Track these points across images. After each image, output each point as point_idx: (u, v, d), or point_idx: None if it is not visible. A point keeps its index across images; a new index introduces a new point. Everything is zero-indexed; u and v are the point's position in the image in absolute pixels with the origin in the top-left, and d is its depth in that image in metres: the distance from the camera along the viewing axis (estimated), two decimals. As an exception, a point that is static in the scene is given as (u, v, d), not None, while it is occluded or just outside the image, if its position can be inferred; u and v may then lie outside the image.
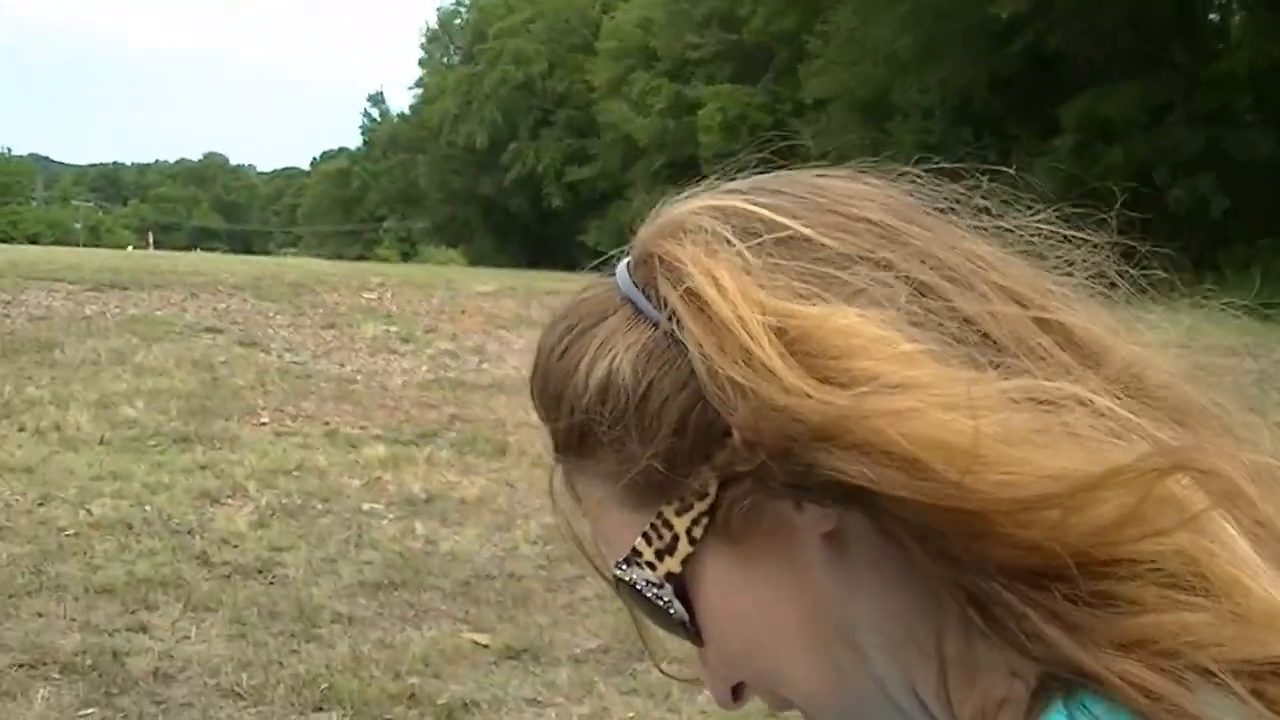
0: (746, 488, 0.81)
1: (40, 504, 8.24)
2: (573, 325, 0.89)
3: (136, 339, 13.66)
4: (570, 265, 44.75)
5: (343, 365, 13.78)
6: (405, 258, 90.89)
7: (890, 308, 0.79)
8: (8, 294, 15.51)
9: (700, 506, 0.83)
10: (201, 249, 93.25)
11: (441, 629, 6.52)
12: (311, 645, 6.20)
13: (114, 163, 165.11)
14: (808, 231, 0.84)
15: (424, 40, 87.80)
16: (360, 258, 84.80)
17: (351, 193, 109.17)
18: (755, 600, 0.86)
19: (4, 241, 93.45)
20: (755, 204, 0.87)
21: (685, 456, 0.82)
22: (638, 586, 0.88)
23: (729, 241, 0.83)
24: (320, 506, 8.63)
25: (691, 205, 0.89)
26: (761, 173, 0.95)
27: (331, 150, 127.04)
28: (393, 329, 15.69)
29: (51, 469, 9.01)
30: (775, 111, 49.89)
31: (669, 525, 0.85)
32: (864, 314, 0.78)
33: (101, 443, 9.82)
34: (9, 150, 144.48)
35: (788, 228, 0.84)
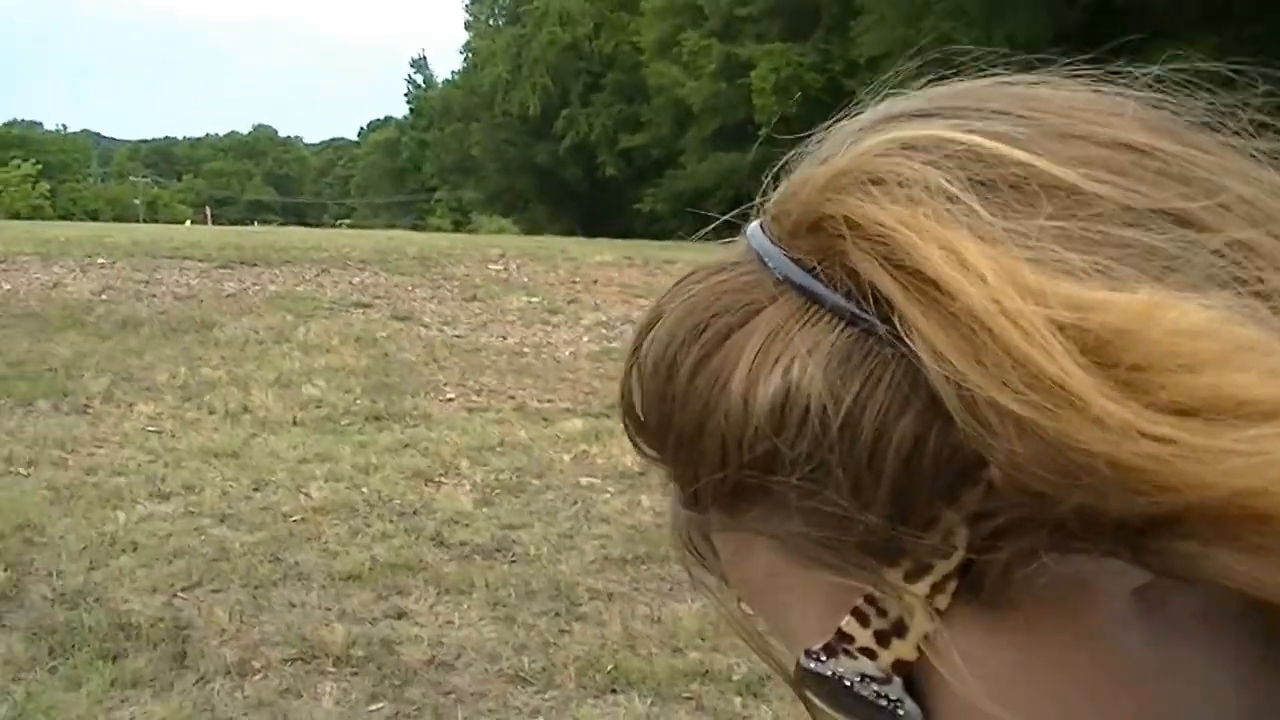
0: (1014, 537, 0.54)
1: (256, 489, 8.03)
2: (701, 325, 0.60)
3: (291, 316, 13.46)
4: (628, 233, 44.83)
5: (504, 338, 13.51)
6: (457, 227, 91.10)
7: (1222, 288, 0.52)
8: (143, 273, 15.35)
9: (944, 568, 0.56)
10: (259, 222, 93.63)
11: (705, 600, 6.23)
12: (579, 624, 5.97)
13: (165, 137, 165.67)
14: (1060, 172, 0.56)
15: (467, 1, 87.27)
16: (413, 228, 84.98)
17: (401, 163, 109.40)
18: (1033, 689, 0.57)
19: (65, 218, 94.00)
20: (971, 132, 0.58)
21: (916, 501, 0.55)
22: (846, 682, 0.60)
23: (951, 195, 0.55)
24: (537, 483, 8.40)
25: (870, 142, 0.59)
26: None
27: (378, 120, 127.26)
28: (534, 300, 15.43)
29: (255, 453, 8.80)
30: (826, 70, 49.54)
31: (895, 595, 0.57)
32: (1206, 303, 0.50)
33: (295, 424, 9.59)
34: (63, 127, 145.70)
35: (1031, 167, 0.56)
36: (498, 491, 8.14)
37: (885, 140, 0.59)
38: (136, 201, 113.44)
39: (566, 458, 9.01)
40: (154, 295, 14.25)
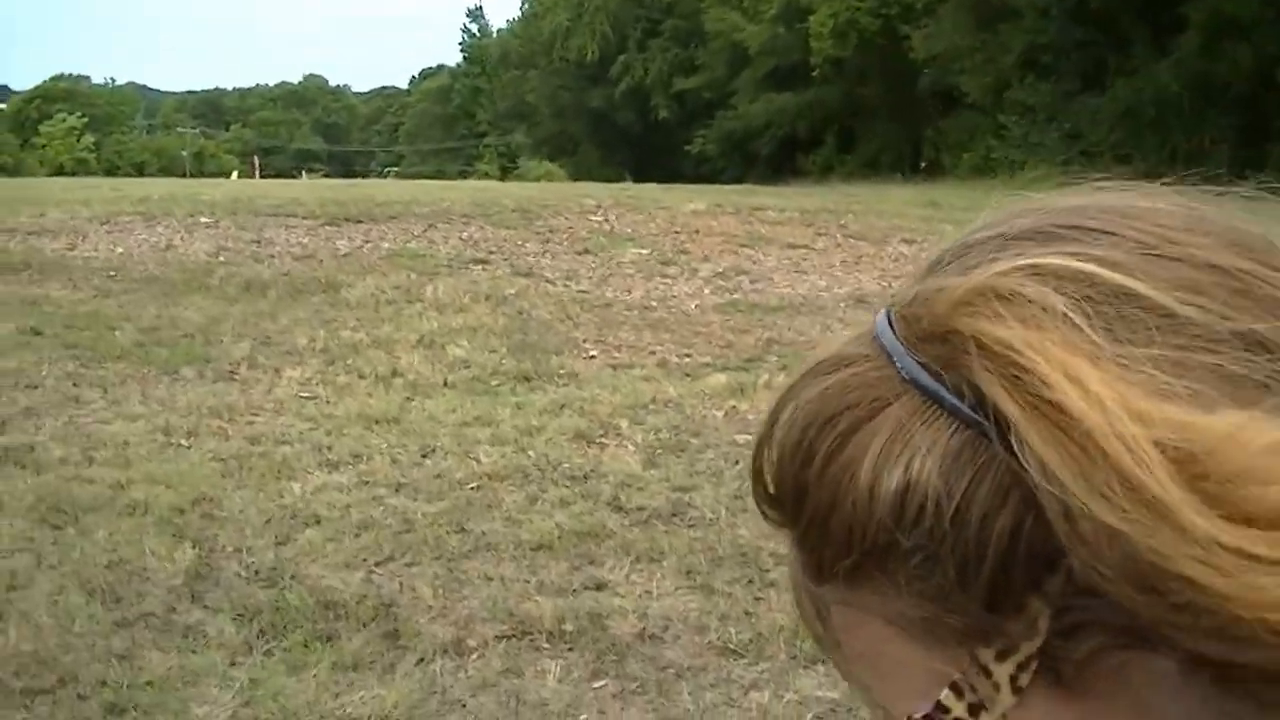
0: (1089, 628, 0.62)
1: (424, 456, 7.94)
2: (833, 417, 0.66)
3: (414, 274, 13.34)
4: (676, 174, 44.88)
5: (629, 292, 13.38)
6: (504, 172, 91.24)
7: None
8: (251, 232, 15.27)
9: (1027, 649, 0.64)
10: (306, 172, 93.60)
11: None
12: (772, 591, 5.86)
13: (215, 88, 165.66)
14: (1159, 297, 0.62)
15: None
16: (462, 174, 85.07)
17: (452, 110, 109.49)
18: None
19: (110, 171, 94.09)
20: (1086, 260, 0.64)
21: (1009, 588, 0.62)
22: None
23: (1071, 319, 0.61)
24: (696, 441, 8.29)
25: (1001, 266, 0.65)
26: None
27: (431, 68, 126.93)
28: (644, 252, 15.29)
29: (414, 417, 8.72)
30: (882, 15, 49.46)
31: (986, 673, 0.65)
32: None
33: (446, 386, 9.50)
34: (111, 80, 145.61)
35: (1134, 293, 0.62)
36: (660, 452, 8.04)
37: (1013, 265, 0.64)
38: (184, 152, 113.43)
39: (719, 414, 8.90)
40: (272, 256, 14.16)
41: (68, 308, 11.73)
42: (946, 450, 0.63)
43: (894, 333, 0.67)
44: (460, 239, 15.44)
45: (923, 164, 47.55)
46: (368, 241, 15.05)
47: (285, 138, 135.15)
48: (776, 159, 57.55)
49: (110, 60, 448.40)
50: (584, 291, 13.16)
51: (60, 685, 4.90)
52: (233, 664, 5.12)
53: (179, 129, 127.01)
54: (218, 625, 5.46)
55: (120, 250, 14.24)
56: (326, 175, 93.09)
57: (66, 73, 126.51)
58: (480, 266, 14.01)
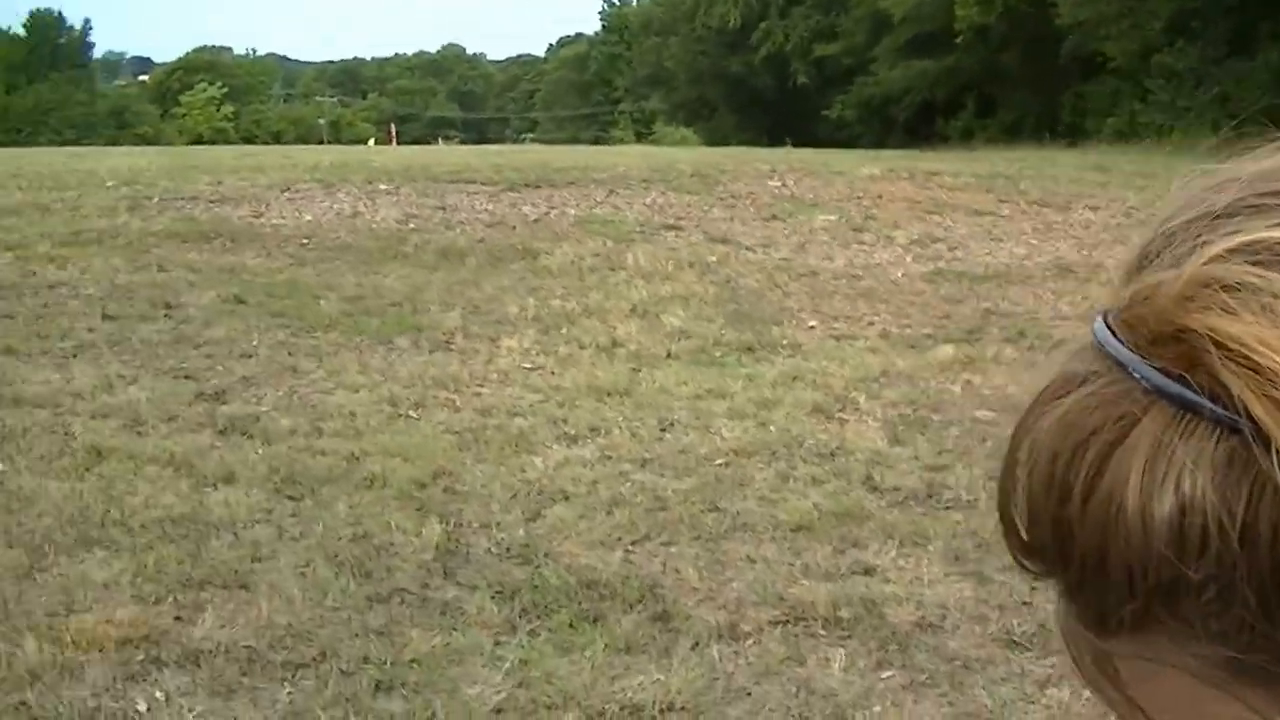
0: None
1: (663, 430, 7.69)
2: (1082, 443, 0.56)
3: (610, 241, 13.10)
4: (812, 139, 44.57)
5: (830, 260, 13.05)
6: (639, 137, 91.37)
7: None
8: (433, 198, 15.12)
9: None
10: (442, 139, 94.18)
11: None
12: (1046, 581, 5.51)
13: (354, 58, 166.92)
14: None
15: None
16: (596, 140, 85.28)
17: (589, 77, 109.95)
18: None
19: (248, 140, 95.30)
20: None
21: None
22: None
23: None
24: (937, 418, 7.98)
25: (1216, 249, 0.57)
26: None
27: (569, 37, 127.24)
28: (832, 218, 14.93)
29: (645, 389, 8.47)
30: (1029, -17, 48.83)
31: None
32: None
33: (669, 357, 9.24)
34: (252, 51, 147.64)
35: None
36: (903, 428, 7.74)
37: (1227, 248, 0.57)
38: (321, 121, 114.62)
39: (955, 389, 8.58)
40: (462, 223, 13.98)
41: (265, 276, 11.62)
42: (1214, 462, 0.54)
43: (1120, 341, 0.59)
44: (644, 205, 15.17)
45: (1059, 128, 46.87)
46: (553, 208, 14.82)
47: (421, 106, 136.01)
48: (914, 124, 57.36)
49: (252, 32, 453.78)
50: (785, 259, 12.83)
51: (321, 660, 4.77)
52: (497, 643, 4.94)
53: (317, 98, 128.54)
54: (476, 603, 5.27)
55: (308, 218, 14.12)
56: (461, 142, 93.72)
57: (209, 44, 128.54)
58: (673, 233, 13.73)
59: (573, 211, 14.60)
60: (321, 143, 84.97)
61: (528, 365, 8.97)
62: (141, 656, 4.76)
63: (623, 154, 21.84)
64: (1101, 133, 40.86)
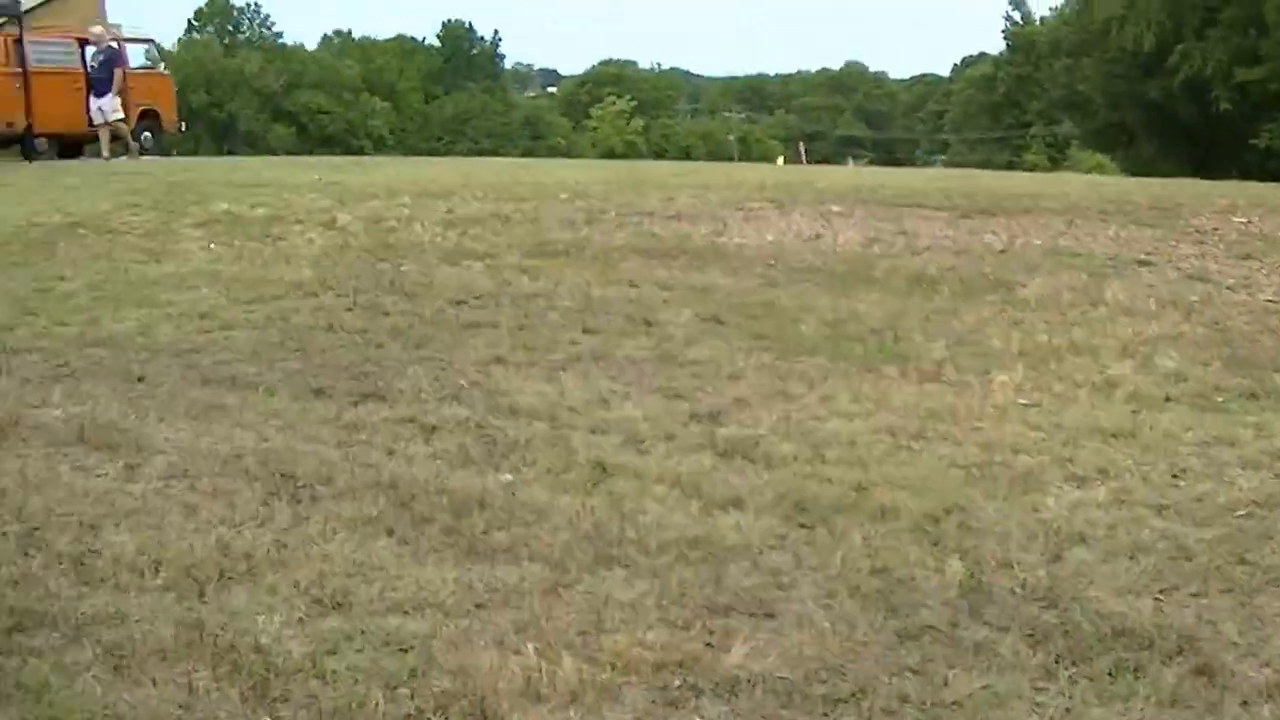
0: None
1: (1176, 477, 7.33)
2: None
3: (1084, 275, 12.71)
4: (1241, 171, 42.39)
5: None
6: (1053, 163, 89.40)
7: None
8: (889, 223, 14.95)
9: None
10: (853, 158, 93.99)
11: None
12: None
13: (758, 74, 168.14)
14: None
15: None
16: (1009, 165, 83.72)
17: (997, 99, 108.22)
18: None
19: (659, 154, 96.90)
20: None
21: None
22: None
23: None
24: None
25: None
26: None
27: (972, 56, 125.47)
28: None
29: (1150, 433, 8.11)
30: None
31: None
32: None
33: (1169, 400, 8.88)
34: (657, 65, 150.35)
35: None
36: None
37: None
38: (730, 137, 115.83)
39: None
40: (928, 249, 13.78)
41: (738, 296, 11.63)
42: None
43: None
44: (1109, 238, 14.66)
45: None
46: (1014, 236, 14.46)
47: (828, 123, 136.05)
48: None
49: (655, 46, 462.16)
50: (1272, 300, 12.21)
51: (859, 696, 4.67)
52: (1036, 689, 4.75)
53: (724, 113, 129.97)
54: (1009, 645, 5.09)
55: (770, 238, 14.13)
56: (870, 162, 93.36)
57: (613, 58, 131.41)
58: (1146, 269, 13.22)
59: (1037, 242, 14.21)
60: (731, 159, 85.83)
61: (1024, 401, 8.72)
62: (679, 683, 4.74)
63: (1066, 182, 21.24)
64: None
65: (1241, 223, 15.78)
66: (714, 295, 11.53)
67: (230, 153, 32.57)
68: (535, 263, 12.66)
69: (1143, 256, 13.69)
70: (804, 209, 15.64)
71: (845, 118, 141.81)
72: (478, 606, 5.39)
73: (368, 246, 13.49)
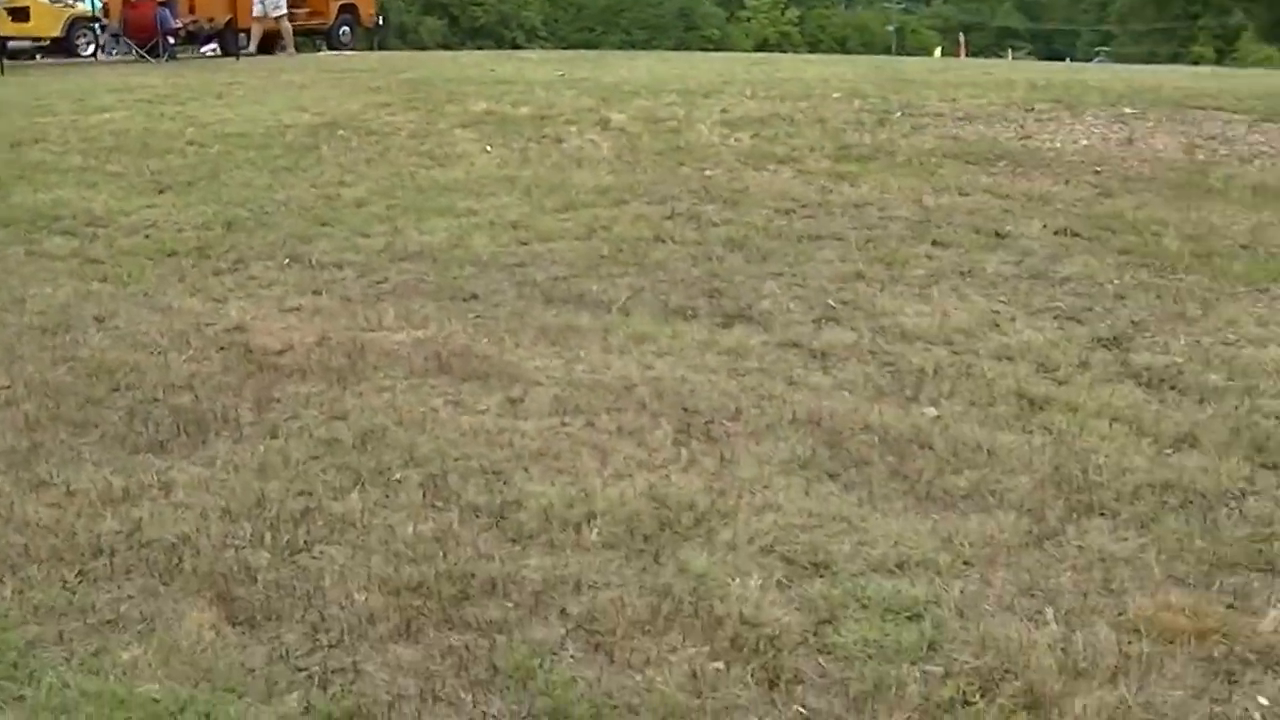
0: None
1: None
2: None
3: None
4: None
5: None
6: (1220, 56, 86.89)
7: None
8: (1191, 125, 14.20)
9: None
10: (1011, 50, 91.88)
11: None
12: None
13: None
14: None
15: None
16: (1174, 57, 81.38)
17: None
18: None
19: (812, 46, 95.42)
20: None
21: None
22: None
23: None
24: None
25: None
26: None
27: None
28: None
29: None
30: None
31: None
32: None
33: None
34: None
35: None
36: None
37: None
38: (889, 28, 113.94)
39: None
40: (1255, 156, 12.97)
41: (1081, 206, 10.88)
42: None
43: None
44: None
45: None
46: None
47: (987, 14, 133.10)
48: None
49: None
50: None
51: None
52: None
53: (881, 3, 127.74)
54: None
55: (1084, 142, 13.41)
56: (1030, 54, 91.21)
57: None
58: None
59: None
60: (890, 51, 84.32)
61: None
62: (1219, 653, 4.25)
63: None
64: None
65: None
66: (1054, 205, 10.84)
67: (382, 46, 32.26)
68: (848, 168, 12.03)
69: None
70: (1095, 110, 14.91)
71: (1004, 7, 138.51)
72: (966, 564, 4.86)
73: (659, 150, 12.96)
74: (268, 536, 5.01)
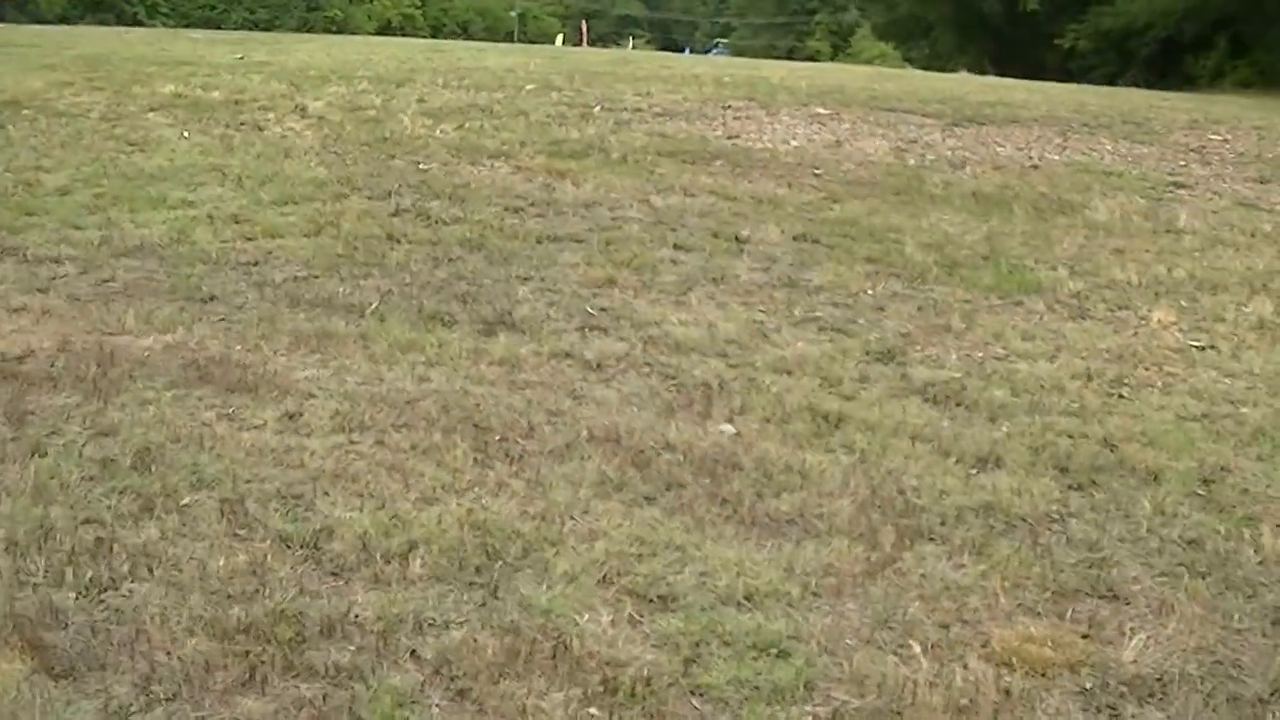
0: None
1: None
2: None
3: (1141, 199, 12.30)
4: (1039, 69, 42.82)
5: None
6: (835, 51, 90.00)
7: None
8: (888, 128, 14.46)
9: None
10: (632, 38, 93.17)
11: None
12: None
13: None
14: None
15: None
16: (790, 52, 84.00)
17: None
18: None
19: (437, 30, 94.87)
20: None
21: None
22: None
23: None
24: None
25: None
26: None
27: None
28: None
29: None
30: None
31: None
32: None
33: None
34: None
35: None
36: None
37: None
38: (512, 13, 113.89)
39: None
40: (964, 162, 13.22)
41: (812, 211, 10.83)
42: None
43: None
44: (1111, 153, 14.32)
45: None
46: (1025, 149, 13.96)
47: (607, 2, 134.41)
48: (1159, 61, 54.61)
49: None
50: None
51: None
52: None
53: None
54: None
55: (794, 144, 13.44)
56: (649, 44, 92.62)
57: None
58: (1184, 190, 12.91)
59: (1055, 157, 13.78)
60: (512, 36, 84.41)
61: (1196, 343, 8.33)
62: (1091, 684, 4.29)
63: (1012, 88, 20.67)
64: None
65: (1217, 139, 15.61)
66: (783, 208, 10.85)
67: (1, 19, 31.10)
68: (565, 164, 11.80)
69: (1176, 178, 13.35)
70: (789, 109, 15.08)
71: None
72: (814, 594, 4.77)
73: (365, 140, 12.53)
74: (68, 573, 4.55)
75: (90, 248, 8.86)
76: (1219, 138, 15.49)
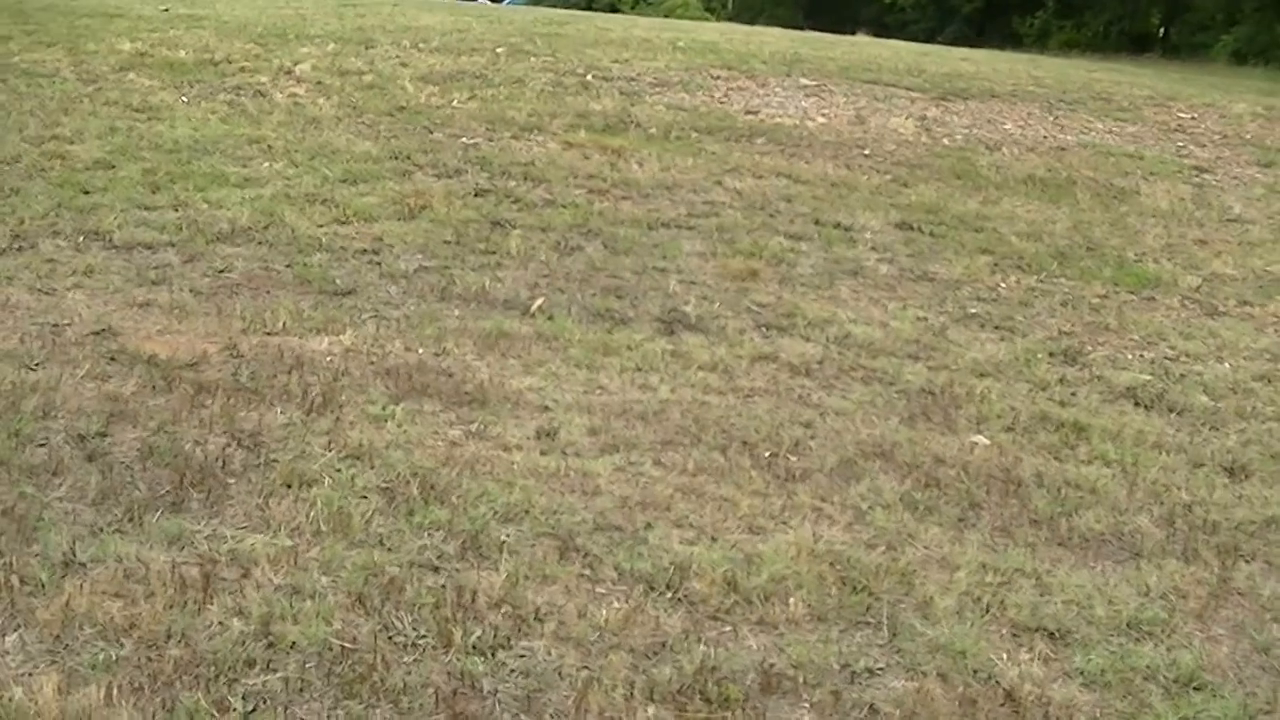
0: None
1: None
2: None
3: (1183, 184, 12.26)
4: (853, 22, 43.00)
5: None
6: (635, 4, 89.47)
7: None
8: (882, 102, 14.36)
9: None
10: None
11: None
12: None
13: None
14: None
15: None
16: (589, 4, 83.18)
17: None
18: None
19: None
20: None
21: None
22: None
23: None
24: None
25: None
26: None
27: None
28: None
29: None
30: None
31: None
32: None
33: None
34: None
35: None
36: None
37: None
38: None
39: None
40: (1000, 141, 13.04)
41: (890, 196, 10.54)
42: None
43: None
44: (1106, 132, 14.28)
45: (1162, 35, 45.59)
46: (1029, 128, 13.85)
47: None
48: (979, 18, 54.83)
49: None
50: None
51: None
52: None
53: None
54: None
55: (821, 120, 13.06)
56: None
57: None
58: (1209, 175, 12.88)
59: (1068, 137, 13.74)
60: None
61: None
62: None
63: (941, 55, 20.53)
64: (1214, 50, 39.07)
65: (1189, 118, 15.72)
66: (862, 193, 10.51)
67: None
68: (612, 141, 11.38)
69: (1183, 160, 13.41)
70: (775, 80, 14.86)
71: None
72: (1186, 620, 4.68)
73: (386, 110, 12.01)
74: (452, 632, 4.16)
75: (176, 231, 8.24)
76: (1186, 115, 15.55)
